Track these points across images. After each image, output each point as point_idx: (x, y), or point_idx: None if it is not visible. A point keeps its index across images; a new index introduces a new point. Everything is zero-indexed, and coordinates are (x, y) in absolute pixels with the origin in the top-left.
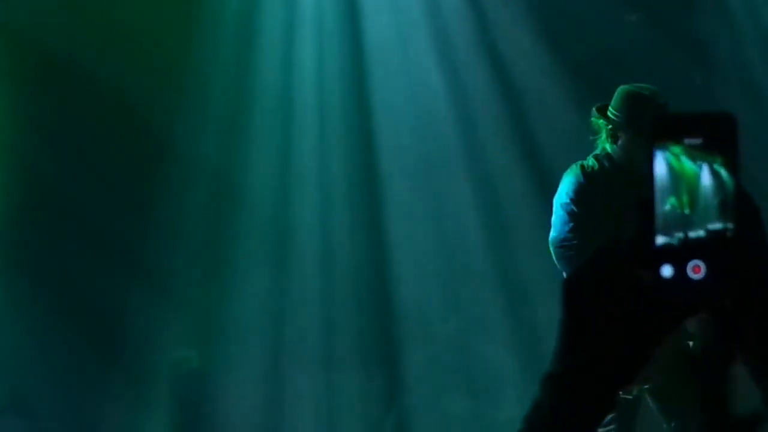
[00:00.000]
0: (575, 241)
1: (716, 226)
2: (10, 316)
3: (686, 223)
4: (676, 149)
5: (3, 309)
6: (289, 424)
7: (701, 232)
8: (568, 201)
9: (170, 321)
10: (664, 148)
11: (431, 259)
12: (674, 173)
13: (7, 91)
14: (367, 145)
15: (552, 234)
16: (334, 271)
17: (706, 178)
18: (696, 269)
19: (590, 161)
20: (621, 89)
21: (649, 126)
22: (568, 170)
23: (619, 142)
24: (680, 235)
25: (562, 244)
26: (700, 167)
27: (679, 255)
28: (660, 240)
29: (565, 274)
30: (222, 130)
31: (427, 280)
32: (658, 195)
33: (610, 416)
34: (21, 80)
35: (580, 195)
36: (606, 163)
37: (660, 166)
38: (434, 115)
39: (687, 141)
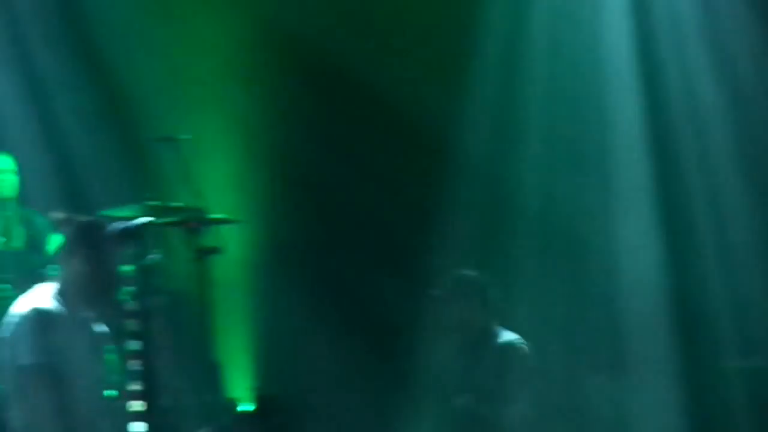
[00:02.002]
0: None
1: None
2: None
3: None
4: None
5: (290, 316)
6: (584, 428)
7: None
8: None
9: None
10: None
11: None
12: None
13: (286, 95)
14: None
15: None
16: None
17: None
18: None
19: None
20: None
21: None
22: None
23: None
24: None
25: None
26: None
27: None
28: None
29: None
30: (495, 131)
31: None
32: None
33: None
34: (299, 85)
35: None
36: None
37: None
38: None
39: None
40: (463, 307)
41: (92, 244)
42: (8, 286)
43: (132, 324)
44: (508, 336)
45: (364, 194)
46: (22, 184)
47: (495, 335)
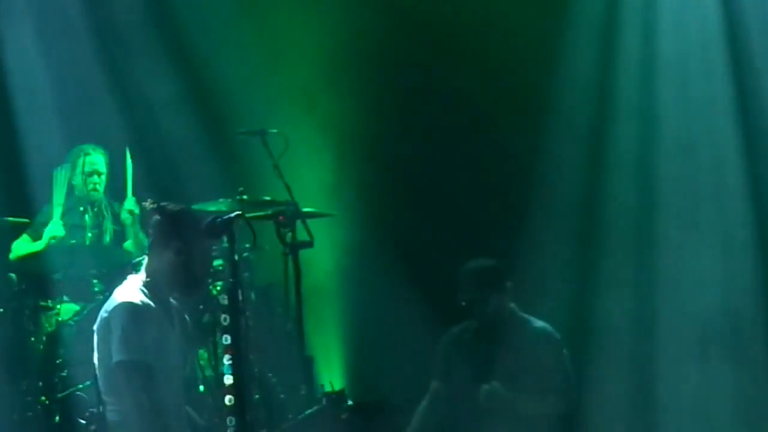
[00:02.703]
0: None
1: None
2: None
3: None
4: None
5: (381, 311)
6: (663, 417)
7: None
8: None
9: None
10: None
11: None
12: None
13: (378, 91)
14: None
15: None
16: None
17: None
18: None
19: None
20: None
21: None
22: None
23: None
24: None
25: None
26: None
27: None
28: None
29: None
30: (585, 147)
31: None
32: None
33: None
34: (392, 80)
35: None
36: None
37: None
38: None
39: None
40: (475, 294)
41: (184, 235)
42: (98, 280)
43: (224, 318)
44: (537, 323)
45: (456, 192)
46: (114, 178)
47: (522, 322)
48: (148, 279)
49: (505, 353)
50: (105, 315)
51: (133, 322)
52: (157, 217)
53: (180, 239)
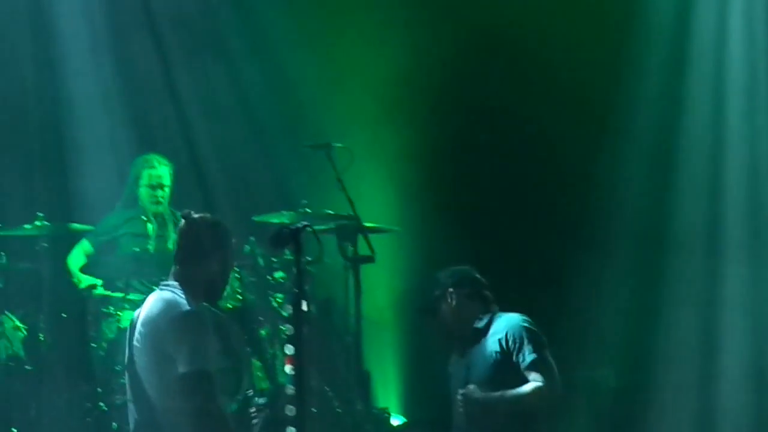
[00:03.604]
0: None
1: None
2: None
3: None
4: None
5: None
6: None
7: None
8: None
9: (591, 338)
10: None
11: None
12: None
13: (442, 109)
14: None
15: None
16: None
17: None
18: None
19: None
20: None
21: None
22: None
23: None
24: None
25: None
26: None
27: None
28: None
29: None
30: (649, 166)
31: None
32: None
33: None
34: (456, 100)
35: None
36: None
37: None
38: None
39: None
40: (452, 303)
41: (225, 246)
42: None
43: (287, 328)
44: (505, 315)
45: (518, 212)
46: (180, 188)
47: (493, 323)
48: (184, 287)
49: (481, 354)
50: (161, 321)
51: (202, 331)
52: (200, 227)
53: (222, 250)
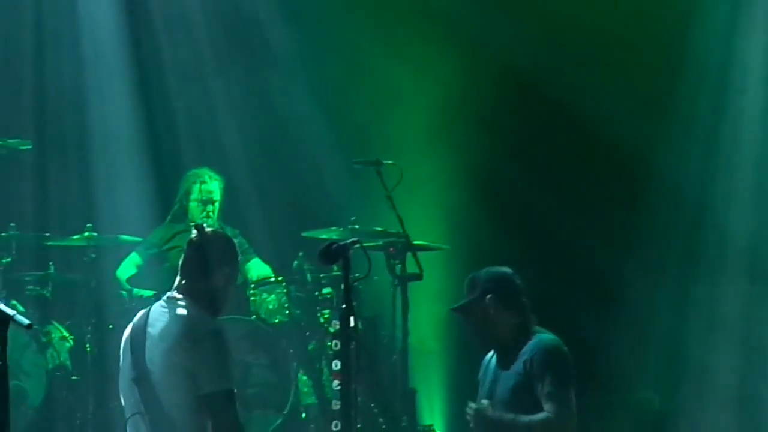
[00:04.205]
0: None
1: None
2: None
3: None
4: None
5: None
6: None
7: None
8: None
9: (637, 359)
10: None
11: None
12: None
13: (493, 126)
14: None
15: None
16: None
17: None
18: None
19: None
20: None
21: None
22: None
23: None
24: None
25: None
26: None
27: None
28: None
29: None
30: (704, 158)
31: None
32: None
33: None
34: (506, 116)
35: None
36: None
37: None
38: None
39: None
40: (488, 309)
41: (232, 261)
42: None
43: (335, 343)
44: (540, 336)
45: (565, 230)
46: (230, 203)
47: (529, 337)
48: (192, 300)
49: (509, 371)
50: (184, 339)
51: (225, 349)
52: (211, 241)
53: (228, 266)
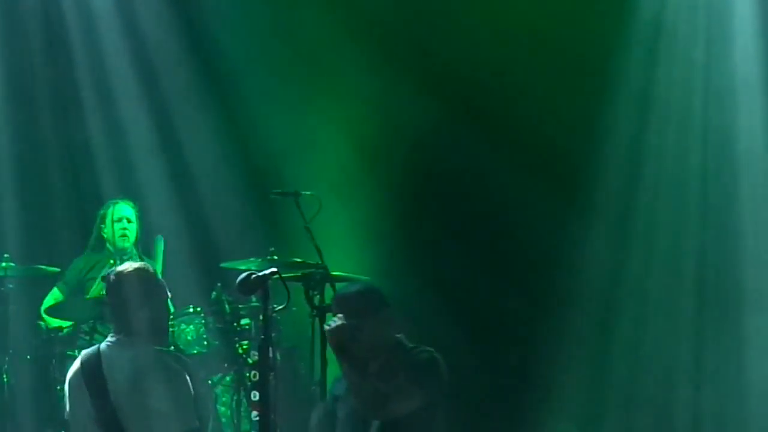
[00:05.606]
0: None
1: None
2: None
3: None
4: None
5: None
6: None
7: None
8: None
9: (556, 389)
10: None
11: None
12: None
13: (410, 152)
14: None
15: None
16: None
17: None
18: None
19: None
20: None
21: None
22: None
23: None
24: None
25: None
26: None
27: None
28: None
29: None
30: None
31: None
32: None
33: None
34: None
35: None
36: None
37: None
38: None
39: None
40: (358, 326)
41: (158, 289)
42: None
43: (253, 374)
44: (422, 353)
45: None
46: (145, 232)
47: (406, 352)
48: (140, 339)
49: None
50: (151, 380)
51: (189, 387)
52: (140, 275)
53: (156, 294)
